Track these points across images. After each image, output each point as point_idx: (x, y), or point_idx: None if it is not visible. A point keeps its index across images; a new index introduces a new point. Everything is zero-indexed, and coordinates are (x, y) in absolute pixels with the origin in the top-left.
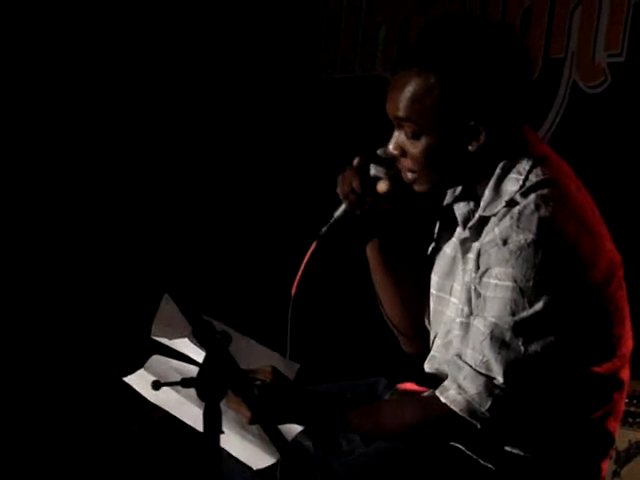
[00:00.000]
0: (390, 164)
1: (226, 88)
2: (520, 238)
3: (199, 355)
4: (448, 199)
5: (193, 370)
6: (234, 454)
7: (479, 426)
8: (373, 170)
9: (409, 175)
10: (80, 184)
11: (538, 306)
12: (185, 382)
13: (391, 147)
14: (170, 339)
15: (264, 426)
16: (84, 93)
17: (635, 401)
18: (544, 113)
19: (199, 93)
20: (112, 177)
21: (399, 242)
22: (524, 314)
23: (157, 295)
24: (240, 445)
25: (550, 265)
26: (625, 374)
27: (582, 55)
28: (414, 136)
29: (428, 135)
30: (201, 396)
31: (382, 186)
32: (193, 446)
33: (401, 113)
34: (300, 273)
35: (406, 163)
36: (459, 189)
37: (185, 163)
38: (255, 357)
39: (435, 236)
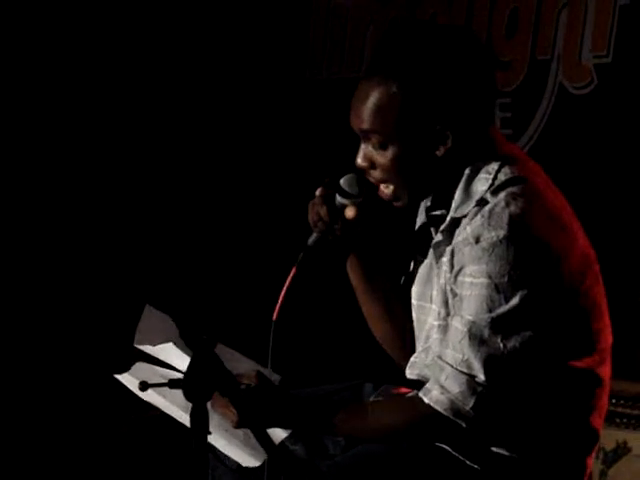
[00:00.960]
0: (353, 193)
1: (212, 90)
2: (492, 235)
3: (184, 361)
4: (421, 211)
5: (178, 375)
6: (222, 450)
7: (464, 425)
8: (339, 198)
9: (386, 191)
10: (70, 187)
11: (514, 301)
12: (172, 383)
13: (359, 160)
14: (154, 345)
15: (251, 429)
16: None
17: (622, 401)
18: (531, 114)
19: (185, 94)
20: (99, 184)
21: (377, 258)
22: (501, 310)
23: (149, 297)
24: (226, 446)
25: (523, 260)
26: (606, 370)
27: (569, 56)
28: (381, 146)
29: (395, 144)
30: (188, 397)
31: (349, 212)
32: (181, 446)
33: (365, 125)
34: (281, 299)
35: (376, 174)
36: (430, 199)
37: (170, 165)
38: (238, 368)
39: (414, 248)
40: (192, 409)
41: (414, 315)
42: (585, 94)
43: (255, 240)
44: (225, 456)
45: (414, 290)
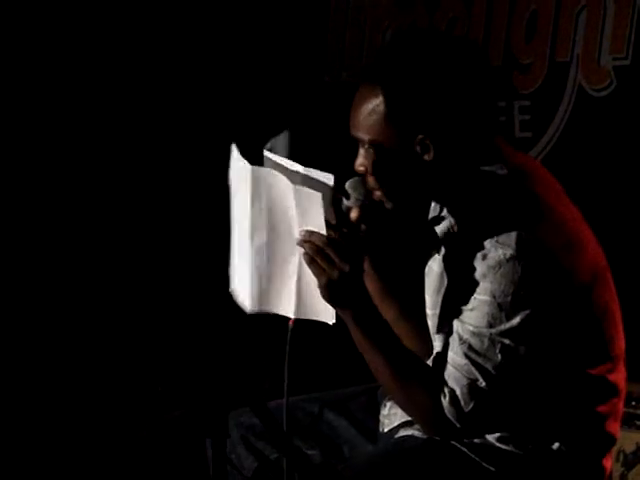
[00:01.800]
0: (358, 197)
1: (232, 95)
2: (499, 253)
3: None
4: (430, 216)
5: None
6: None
7: (458, 425)
8: (345, 202)
9: (377, 194)
10: (80, 184)
11: (515, 320)
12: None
13: (356, 165)
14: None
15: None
16: (87, 92)
17: None
18: (550, 116)
19: (203, 98)
20: (110, 179)
21: (389, 261)
22: (502, 327)
23: (159, 299)
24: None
25: (529, 280)
26: (620, 376)
27: (588, 58)
28: (371, 153)
29: (381, 152)
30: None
31: (353, 214)
32: (197, 455)
33: (357, 130)
34: None
35: (371, 180)
36: (437, 208)
37: (186, 164)
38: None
39: (421, 256)
40: (210, 419)
41: (429, 323)
42: (604, 96)
43: None
44: (242, 465)
45: (427, 300)
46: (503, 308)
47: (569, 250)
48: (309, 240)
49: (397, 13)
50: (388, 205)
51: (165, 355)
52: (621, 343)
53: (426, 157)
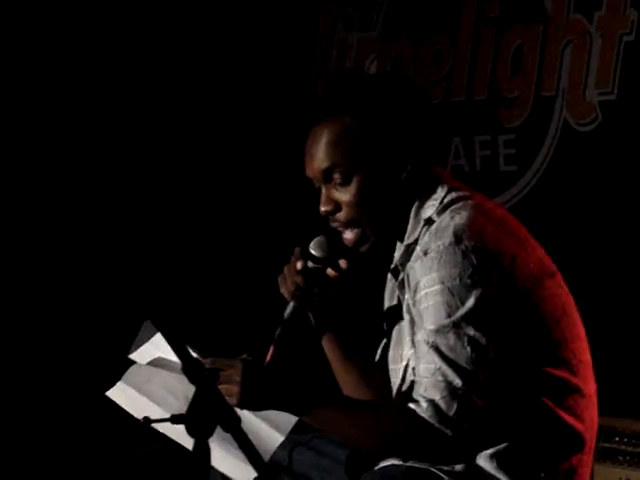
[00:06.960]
0: (324, 257)
1: (220, 114)
2: (438, 244)
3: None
4: (390, 279)
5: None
6: (218, 468)
7: (449, 433)
8: (311, 263)
9: (351, 236)
10: (65, 188)
11: (470, 302)
12: (175, 419)
13: (323, 206)
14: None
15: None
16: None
17: (626, 439)
18: (535, 150)
19: (190, 109)
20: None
21: (351, 329)
22: (459, 313)
23: (140, 319)
24: (224, 459)
25: (472, 261)
26: (585, 382)
27: (573, 93)
28: (345, 181)
29: (357, 174)
30: (190, 433)
31: (332, 271)
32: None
33: (325, 163)
34: None
35: (341, 216)
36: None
37: (171, 181)
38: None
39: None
40: (194, 445)
41: (392, 380)
42: (589, 131)
43: (254, 261)
44: None
45: (390, 355)
46: (455, 293)
47: (508, 238)
48: None
49: (383, 47)
50: (364, 245)
51: None
52: (584, 351)
53: (403, 172)
